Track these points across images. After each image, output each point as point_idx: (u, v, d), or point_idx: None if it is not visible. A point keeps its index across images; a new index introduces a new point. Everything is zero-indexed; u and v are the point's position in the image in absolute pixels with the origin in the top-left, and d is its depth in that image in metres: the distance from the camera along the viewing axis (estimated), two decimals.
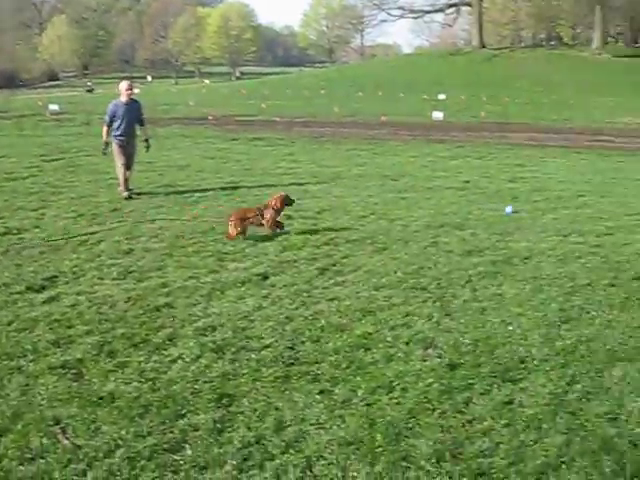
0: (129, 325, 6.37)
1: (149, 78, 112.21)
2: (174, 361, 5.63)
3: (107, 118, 12.91)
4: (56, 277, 7.88)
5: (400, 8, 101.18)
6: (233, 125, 32.73)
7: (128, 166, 13.01)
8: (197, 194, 13.40)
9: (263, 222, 9.81)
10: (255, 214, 9.79)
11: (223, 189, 14.00)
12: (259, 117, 37.66)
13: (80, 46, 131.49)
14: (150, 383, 5.24)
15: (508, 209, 12.25)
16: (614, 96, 58.39)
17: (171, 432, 4.62)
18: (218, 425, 4.71)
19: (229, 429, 4.68)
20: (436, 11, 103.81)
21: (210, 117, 35.06)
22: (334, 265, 8.52)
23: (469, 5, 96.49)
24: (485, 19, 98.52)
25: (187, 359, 5.65)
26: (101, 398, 5.01)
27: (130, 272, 8.10)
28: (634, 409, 4.91)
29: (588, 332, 6.30)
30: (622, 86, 65.23)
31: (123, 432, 4.58)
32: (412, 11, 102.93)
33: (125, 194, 12.83)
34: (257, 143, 25.35)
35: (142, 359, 5.65)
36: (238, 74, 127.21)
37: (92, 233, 9.95)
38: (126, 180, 12.97)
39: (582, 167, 20.89)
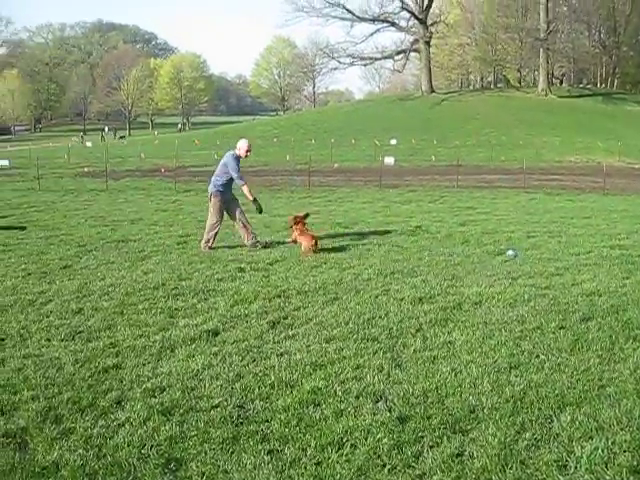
0: (76, 389, 6.21)
1: (106, 129, 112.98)
2: (121, 425, 5.49)
3: (239, 174, 13.48)
4: (2, 340, 7.69)
5: (350, 56, 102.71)
6: (186, 176, 32.68)
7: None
8: (149, 248, 13.28)
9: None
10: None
11: (177, 243, 13.91)
12: (212, 167, 37.53)
13: (32, 100, 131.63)
14: (96, 450, 5.09)
15: (510, 252, 12.33)
16: (561, 136, 59.93)
17: None
18: None
19: None
20: (385, 58, 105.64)
21: (162, 169, 34.53)
22: (285, 318, 8.45)
23: (417, 51, 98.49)
24: (433, 64, 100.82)
25: (134, 423, 5.51)
26: (45, 468, 4.86)
27: (78, 332, 7.94)
28: (583, 455, 4.91)
29: (537, 377, 6.31)
30: (568, 126, 67.06)
31: None
32: (362, 58, 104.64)
33: (208, 250, 12.99)
34: None
35: (88, 424, 5.51)
36: (180, 125, 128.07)
37: (40, 292, 9.76)
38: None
39: (532, 207, 21.29)
